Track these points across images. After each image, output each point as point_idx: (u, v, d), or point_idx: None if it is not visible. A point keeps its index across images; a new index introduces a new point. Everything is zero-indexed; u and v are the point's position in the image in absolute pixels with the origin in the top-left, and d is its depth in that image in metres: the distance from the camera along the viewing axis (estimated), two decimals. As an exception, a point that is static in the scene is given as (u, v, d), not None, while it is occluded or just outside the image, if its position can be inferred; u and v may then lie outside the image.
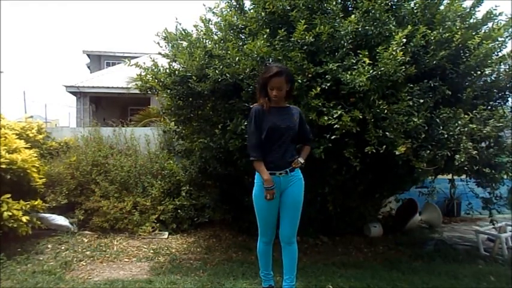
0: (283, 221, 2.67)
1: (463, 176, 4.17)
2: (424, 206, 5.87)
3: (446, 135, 3.30)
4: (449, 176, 4.19)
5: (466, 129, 3.23)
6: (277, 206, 2.65)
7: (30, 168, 4.47)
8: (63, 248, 4.31)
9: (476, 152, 3.17)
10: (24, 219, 4.06)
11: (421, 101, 3.34)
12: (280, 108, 2.67)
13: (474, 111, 3.39)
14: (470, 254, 4.43)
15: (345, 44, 3.37)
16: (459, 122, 3.28)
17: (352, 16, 3.34)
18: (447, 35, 3.46)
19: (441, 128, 3.35)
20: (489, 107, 3.78)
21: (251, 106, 2.86)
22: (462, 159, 3.13)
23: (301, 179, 2.69)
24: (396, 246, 4.69)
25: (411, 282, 3.34)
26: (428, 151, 3.26)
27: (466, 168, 3.96)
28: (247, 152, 2.70)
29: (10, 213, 3.93)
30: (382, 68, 3.14)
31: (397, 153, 3.07)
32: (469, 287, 3.31)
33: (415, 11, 3.59)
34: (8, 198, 4.04)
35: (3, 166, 4.10)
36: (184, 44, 4.02)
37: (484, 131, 3.27)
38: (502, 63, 3.77)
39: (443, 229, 5.70)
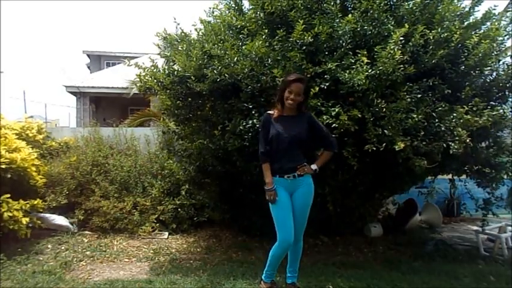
0: (295, 222, 2.77)
1: (463, 176, 4.17)
2: (424, 206, 5.86)
3: (443, 128, 3.30)
4: (449, 176, 4.19)
5: (461, 120, 3.23)
6: (291, 207, 2.75)
7: (30, 167, 4.49)
8: (63, 248, 4.31)
9: (470, 139, 3.18)
10: (24, 221, 4.07)
11: (419, 96, 3.33)
12: (289, 117, 2.76)
13: (470, 104, 3.38)
14: (470, 254, 4.43)
15: (344, 43, 3.37)
16: (454, 114, 3.28)
17: (350, 16, 3.34)
18: (446, 34, 3.46)
19: (437, 120, 3.34)
20: (489, 107, 3.77)
21: (252, 108, 2.88)
22: (456, 147, 3.12)
23: (309, 184, 2.80)
24: (396, 246, 4.68)
25: (411, 282, 3.34)
26: (423, 142, 3.26)
27: (466, 168, 3.97)
28: (245, 153, 2.74)
29: (10, 214, 3.94)
30: (381, 67, 3.14)
31: (396, 148, 3.07)
32: (469, 287, 3.31)
33: (414, 11, 3.59)
34: (7, 198, 4.05)
35: (3, 166, 4.11)
36: (183, 44, 4.02)
37: (480, 122, 3.26)
38: (501, 62, 3.77)
39: (443, 229, 5.70)
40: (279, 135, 2.70)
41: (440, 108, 3.36)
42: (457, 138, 3.16)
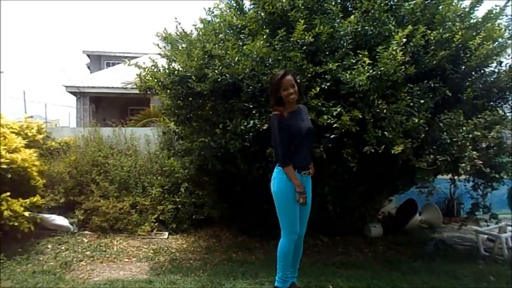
0: (303, 219, 2.82)
1: (463, 176, 4.16)
2: (424, 206, 5.86)
3: (448, 141, 3.28)
4: (450, 176, 4.18)
5: (470, 135, 3.21)
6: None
7: (30, 167, 4.49)
8: (63, 248, 4.31)
9: (481, 162, 3.16)
10: (27, 213, 4.09)
11: (422, 101, 3.32)
12: (295, 111, 2.75)
13: (479, 116, 3.36)
14: (470, 254, 4.43)
15: (345, 44, 3.37)
16: (463, 128, 3.26)
17: (352, 16, 3.34)
18: (447, 35, 3.45)
19: (444, 133, 3.32)
20: (489, 107, 3.77)
21: (252, 108, 2.87)
22: (468, 169, 3.13)
23: (310, 183, 2.87)
24: (396, 246, 4.68)
25: (411, 282, 3.34)
26: (430, 155, 3.24)
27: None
28: (247, 154, 2.71)
29: (11, 213, 3.94)
30: (382, 68, 3.13)
31: (393, 152, 3.07)
32: (469, 287, 3.31)
33: (415, 11, 3.58)
34: (7, 196, 4.05)
35: (4, 166, 4.11)
36: (184, 44, 4.02)
37: (489, 137, 3.26)
38: (503, 63, 3.77)
39: (443, 229, 5.70)
40: (300, 131, 2.67)
41: (448, 119, 3.35)
42: (466, 157, 3.15)
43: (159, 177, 5.35)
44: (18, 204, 4.08)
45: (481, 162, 3.15)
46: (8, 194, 4.07)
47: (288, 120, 2.68)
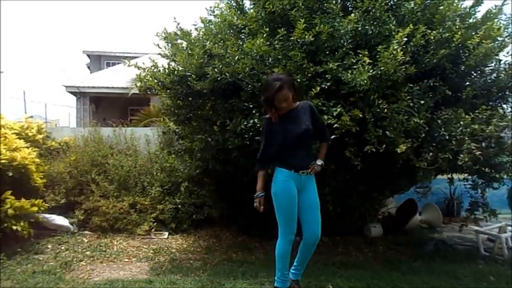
0: (313, 219, 2.74)
1: (463, 176, 4.16)
2: (424, 206, 5.86)
3: (447, 137, 3.28)
4: (449, 175, 4.18)
5: (468, 129, 3.20)
6: (297, 203, 2.71)
7: (30, 165, 4.49)
8: (63, 248, 4.31)
9: (480, 153, 3.14)
10: (34, 208, 4.14)
11: (422, 102, 3.32)
12: (289, 112, 2.68)
13: (476, 112, 3.36)
14: (470, 254, 4.43)
15: (345, 43, 3.37)
16: (461, 123, 3.25)
17: (352, 15, 3.34)
18: (447, 34, 3.46)
19: (442, 129, 3.32)
20: (489, 107, 3.77)
21: (252, 108, 2.85)
22: (466, 160, 3.11)
23: (314, 181, 2.82)
24: (396, 246, 4.68)
25: (411, 282, 3.33)
26: (430, 153, 3.24)
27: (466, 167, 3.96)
28: (246, 152, 2.70)
29: (14, 212, 3.95)
30: (382, 68, 3.13)
31: (398, 151, 3.06)
32: (469, 287, 3.30)
33: (415, 11, 3.59)
34: (10, 195, 4.05)
35: (4, 161, 4.13)
36: (184, 43, 4.02)
37: (487, 131, 3.25)
38: (502, 62, 3.77)
39: (443, 229, 5.70)
40: (290, 133, 2.63)
41: (446, 116, 3.34)
42: (465, 149, 3.13)
43: (159, 174, 5.35)
44: (21, 205, 4.09)
45: (480, 152, 3.13)
46: (10, 193, 4.07)
47: (277, 124, 2.66)
